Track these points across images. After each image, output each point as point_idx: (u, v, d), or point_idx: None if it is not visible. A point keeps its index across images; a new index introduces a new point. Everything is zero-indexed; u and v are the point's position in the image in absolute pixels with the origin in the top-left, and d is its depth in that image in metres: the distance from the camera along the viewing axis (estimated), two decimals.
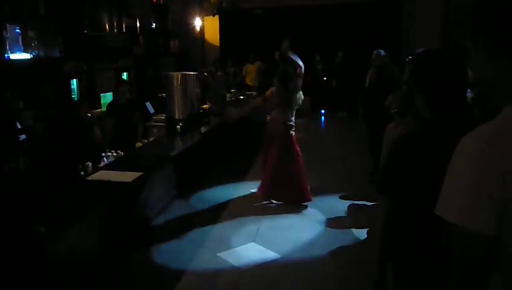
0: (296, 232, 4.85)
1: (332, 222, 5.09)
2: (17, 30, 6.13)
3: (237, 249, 4.46)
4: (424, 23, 10.38)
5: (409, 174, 1.70)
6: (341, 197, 5.86)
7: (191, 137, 5.99)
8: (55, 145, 4.91)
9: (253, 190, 5.96)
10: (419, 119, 1.88)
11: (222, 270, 4.05)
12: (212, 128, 6.64)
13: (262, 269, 4.08)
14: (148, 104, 7.52)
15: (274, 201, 5.69)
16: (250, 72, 12.63)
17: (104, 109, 7.37)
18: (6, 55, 5.92)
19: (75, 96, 7.38)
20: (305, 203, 5.60)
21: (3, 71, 5.81)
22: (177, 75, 6.35)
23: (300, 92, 5.76)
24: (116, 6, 8.53)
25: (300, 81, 5.77)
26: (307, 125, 10.45)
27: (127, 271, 3.96)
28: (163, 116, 6.64)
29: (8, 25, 5.95)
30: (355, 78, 9.37)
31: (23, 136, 5.38)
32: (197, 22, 13.35)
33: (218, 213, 5.36)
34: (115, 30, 8.50)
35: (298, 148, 5.76)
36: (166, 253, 4.36)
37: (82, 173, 4.40)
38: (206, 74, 9.05)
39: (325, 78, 12.57)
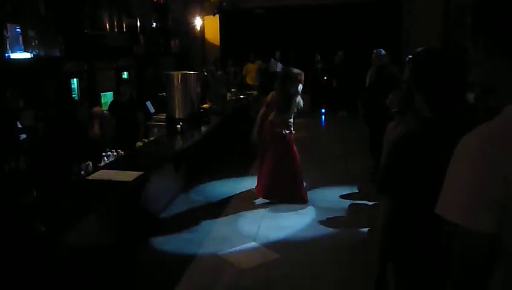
0: (296, 232, 4.85)
1: (333, 222, 5.09)
2: (18, 30, 6.13)
3: (237, 249, 4.46)
4: (424, 23, 10.38)
5: (409, 174, 1.70)
6: (341, 197, 5.86)
7: (192, 136, 5.99)
8: (55, 144, 4.91)
9: (252, 188, 6.01)
10: (419, 118, 1.88)
11: (222, 270, 4.05)
12: (212, 127, 6.64)
13: (263, 269, 4.08)
14: (148, 103, 7.52)
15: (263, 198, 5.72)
16: (251, 71, 12.63)
17: (105, 108, 7.37)
18: (6, 54, 5.91)
19: (75, 95, 7.38)
20: (305, 203, 5.62)
21: (4, 71, 5.81)
22: (177, 75, 6.36)
23: (300, 97, 5.75)
24: (116, 5, 8.52)
25: (300, 86, 5.76)
26: (307, 124, 10.46)
27: (127, 271, 3.96)
28: (163, 116, 6.64)
29: (8, 24, 5.94)
30: (356, 77, 9.37)
31: (23, 136, 5.38)
32: (198, 22, 13.34)
33: (218, 213, 5.36)
34: (115, 29, 8.49)
35: (295, 149, 5.79)
36: (166, 253, 4.37)
37: (82, 172, 4.40)
38: (206, 73, 9.04)
39: (325, 78, 12.57)
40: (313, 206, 5.56)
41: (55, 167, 4.57)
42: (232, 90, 10.52)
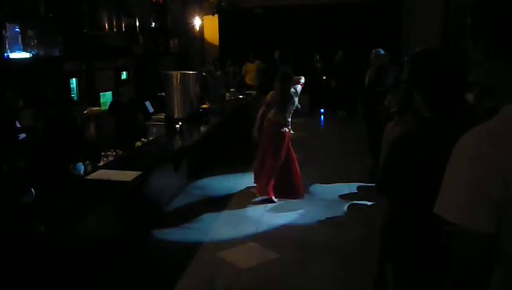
0: (295, 232, 4.85)
1: (332, 222, 5.10)
2: (17, 29, 6.12)
3: (237, 248, 4.46)
4: (424, 23, 10.39)
5: (408, 174, 1.71)
6: (340, 197, 5.86)
7: (191, 136, 5.99)
8: (52, 144, 4.90)
9: (249, 187, 6.07)
10: (418, 118, 1.89)
11: (222, 270, 4.05)
12: (211, 127, 6.64)
13: (262, 268, 4.08)
14: (147, 103, 7.52)
15: (273, 198, 5.72)
16: (250, 71, 12.63)
17: (103, 107, 7.37)
18: (5, 54, 5.91)
19: (74, 95, 7.38)
20: (305, 203, 5.64)
21: (3, 70, 5.80)
22: (176, 74, 6.36)
23: (296, 99, 5.77)
24: (115, 5, 8.52)
25: (299, 87, 5.82)
26: (306, 124, 10.47)
27: (126, 271, 3.96)
28: (162, 116, 6.64)
29: (7, 24, 5.94)
30: (355, 77, 9.38)
31: (22, 135, 5.37)
32: (197, 21, 13.34)
33: (218, 212, 5.37)
34: (115, 29, 8.49)
35: (291, 148, 5.87)
36: (166, 253, 4.37)
37: (82, 172, 4.40)
38: (204, 73, 9.04)
39: (324, 78, 12.57)
40: (312, 205, 5.56)
41: (52, 167, 4.56)
42: (231, 90, 10.52)
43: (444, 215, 1.10)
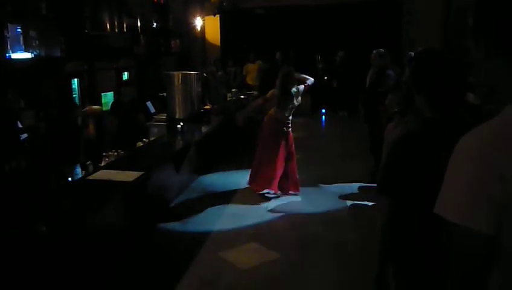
0: (296, 232, 4.86)
1: (333, 222, 5.09)
2: (19, 30, 6.13)
3: (238, 248, 4.47)
4: (424, 23, 10.39)
5: (409, 174, 1.71)
6: (342, 197, 5.86)
7: (192, 136, 6.00)
8: (51, 145, 4.90)
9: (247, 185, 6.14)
10: (419, 118, 1.89)
11: (223, 270, 4.05)
12: (213, 127, 6.65)
13: (263, 269, 4.08)
14: (149, 103, 7.52)
15: (272, 192, 5.85)
16: (251, 71, 12.64)
17: (104, 108, 7.38)
18: (7, 54, 5.92)
19: (76, 95, 7.39)
20: (306, 203, 5.66)
21: (5, 71, 5.81)
22: (177, 75, 6.37)
23: (299, 99, 5.92)
24: (117, 6, 8.53)
25: (302, 87, 5.91)
26: (307, 124, 10.47)
27: (127, 272, 3.97)
28: (164, 116, 6.65)
29: (9, 24, 5.95)
30: (356, 77, 9.37)
31: (24, 136, 5.38)
32: (198, 22, 13.35)
33: (219, 212, 5.37)
34: (116, 30, 8.50)
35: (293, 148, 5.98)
36: (167, 253, 4.37)
37: (83, 172, 4.41)
38: (205, 74, 9.06)
39: (325, 78, 12.57)
40: (313, 206, 5.57)
41: (52, 168, 4.57)
42: (233, 90, 10.52)
43: (443, 215, 1.10)
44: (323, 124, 12.09)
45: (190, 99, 6.35)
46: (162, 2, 11.45)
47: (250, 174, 6.10)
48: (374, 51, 6.86)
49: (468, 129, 1.12)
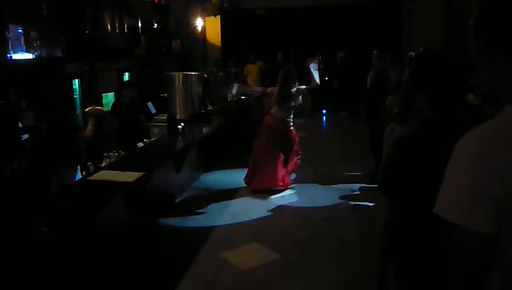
0: (297, 232, 4.86)
1: (333, 222, 5.09)
2: (20, 30, 6.14)
3: (238, 249, 4.47)
4: (425, 24, 10.38)
5: (409, 175, 1.71)
6: (342, 198, 5.86)
7: (193, 137, 6.00)
8: (55, 146, 4.90)
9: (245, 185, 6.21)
10: (419, 119, 1.89)
11: (223, 271, 4.05)
12: (213, 127, 6.66)
13: (264, 269, 4.09)
14: (149, 104, 7.53)
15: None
16: (252, 72, 12.64)
17: (106, 108, 7.38)
18: (8, 55, 5.93)
19: (77, 96, 7.39)
20: (307, 204, 5.68)
21: (6, 71, 5.82)
22: (178, 75, 6.37)
23: (299, 99, 6.12)
24: (117, 6, 8.53)
25: (304, 88, 6.08)
26: (308, 125, 10.46)
27: (128, 272, 3.97)
28: (164, 116, 6.65)
29: (10, 25, 5.96)
30: (357, 78, 9.38)
31: (25, 136, 5.39)
32: (199, 22, 13.35)
33: (219, 212, 5.37)
34: (117, 30, 8.51)
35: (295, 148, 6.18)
36: (168, 253, 4.38)
37: (84, 173, 4.41)
38: (205, 75, 9.06)
39: (326, 79, 12.56)
40: (314, 206, 5.57)
41: (52, 168, 4.56)
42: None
43: (443, 215, 1.10)
44: (324, 124, 12.09)
45: (191, 100, 6.35)
46: (162, 2, 11.46)
47: (247, 174, 6.14)
48: (375, 52, 6.87)
49: (468, 129, 1.12)
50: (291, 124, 6.08)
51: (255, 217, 5.26)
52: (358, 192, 6.05)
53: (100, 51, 7.85)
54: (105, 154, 4.95)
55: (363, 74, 7.54)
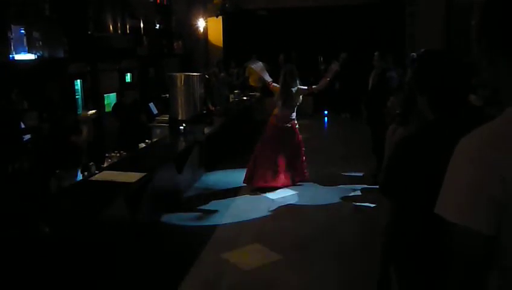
0: (298, 233, 4.86)
1: (334, 223, 5.09)
2: (22, 31, 6.16)
3: (240, 249, 4.47)
4: (427, 25, 10.36)
5: (411, 176, 1.71)
6: (343, 198, 5.86)
7: (194, 138, 6.01)
8: (55, 146, 4.90)
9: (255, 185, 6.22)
10: (421, 120, 1.89)
11: (225, 271, 4.05)
12: (215, 128, 6.66)
13: (265, 270, 4.09)
14: (151, 104, 7.54)
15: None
16: (254, 72, 12.62)
17: (108, 109, 7.40)
18: (10, 55, 5.94)
19: (79, 96, 7.41)
20: (308, 204, 5.67)
21: (8, 72, 5.83)
22: (180, 76, 6.38)
23: (300, 98, 6.23)
24: (120, 7, 8.55)
25: (305, 88, 6.23)
26: (310, 126, 10.45)
27: (128, 272, 3.97)
28: (166, 117, 6.66)
29: (12, 25, 5.97)
30: (359, 79, 9.37)
31: (27, 136, 5.40)
32: (201, 23, 13.37)
33: (221, 212, 5.38)
34: (119, 31, 8.52)
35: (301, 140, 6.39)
36: (170, 252, 4.38)
37: (83, 175, 4.41)
38: (207, 76, 9.07)
39: (328, 79, 12.54)
40: (315, 207, 5.57)
41: (54, 169, 4.56)
42: (235, 91, 10.54)
43: (444, 216, 1.10)
44: (326, 125, 12.09)
45: (193, 101, 6.36)
46: (164, 3, 11.47)
47: (246, 175, 6.15)
48: (376, 53, 6.87)
49: (469, 131, 1.12)
50: (296, 122, 6.22)
51: (256, 217, 5.26)
52: (359, 193, 6.05)
53: (102, 51, 7.86)
54: (107, 154, 4.95)
55: (365, 75, 7.54)
